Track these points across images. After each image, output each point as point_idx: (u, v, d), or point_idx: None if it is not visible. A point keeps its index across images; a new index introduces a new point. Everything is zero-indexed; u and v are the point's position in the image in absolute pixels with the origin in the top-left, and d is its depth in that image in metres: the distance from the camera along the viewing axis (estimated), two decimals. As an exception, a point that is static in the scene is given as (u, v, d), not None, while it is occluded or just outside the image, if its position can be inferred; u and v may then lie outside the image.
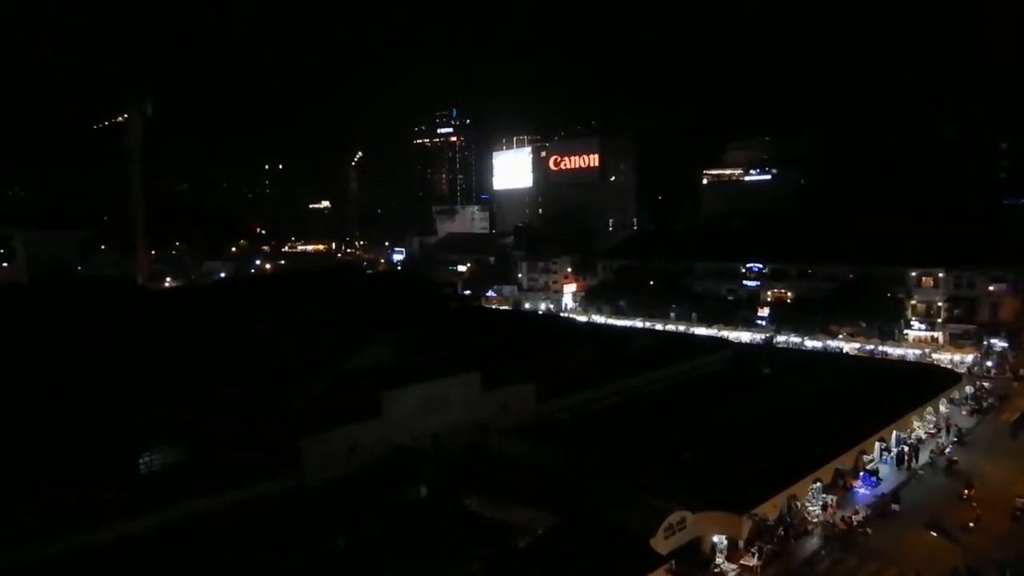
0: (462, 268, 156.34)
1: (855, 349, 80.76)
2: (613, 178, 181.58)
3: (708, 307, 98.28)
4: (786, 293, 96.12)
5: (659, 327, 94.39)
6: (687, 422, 43.49)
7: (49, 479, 30.24)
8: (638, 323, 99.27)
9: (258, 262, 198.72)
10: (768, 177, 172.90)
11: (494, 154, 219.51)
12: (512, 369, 46.28)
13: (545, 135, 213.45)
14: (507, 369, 45.94)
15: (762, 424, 43.54)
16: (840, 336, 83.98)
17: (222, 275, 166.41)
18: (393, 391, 38.58)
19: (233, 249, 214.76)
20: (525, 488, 33.12)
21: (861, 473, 43.84)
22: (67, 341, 49.25)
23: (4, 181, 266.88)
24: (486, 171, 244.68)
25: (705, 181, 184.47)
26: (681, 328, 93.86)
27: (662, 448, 38.87)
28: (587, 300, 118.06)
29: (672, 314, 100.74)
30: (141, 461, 33.41)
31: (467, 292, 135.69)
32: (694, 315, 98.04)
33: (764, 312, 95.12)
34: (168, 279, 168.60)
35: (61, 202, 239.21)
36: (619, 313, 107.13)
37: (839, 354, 78.64)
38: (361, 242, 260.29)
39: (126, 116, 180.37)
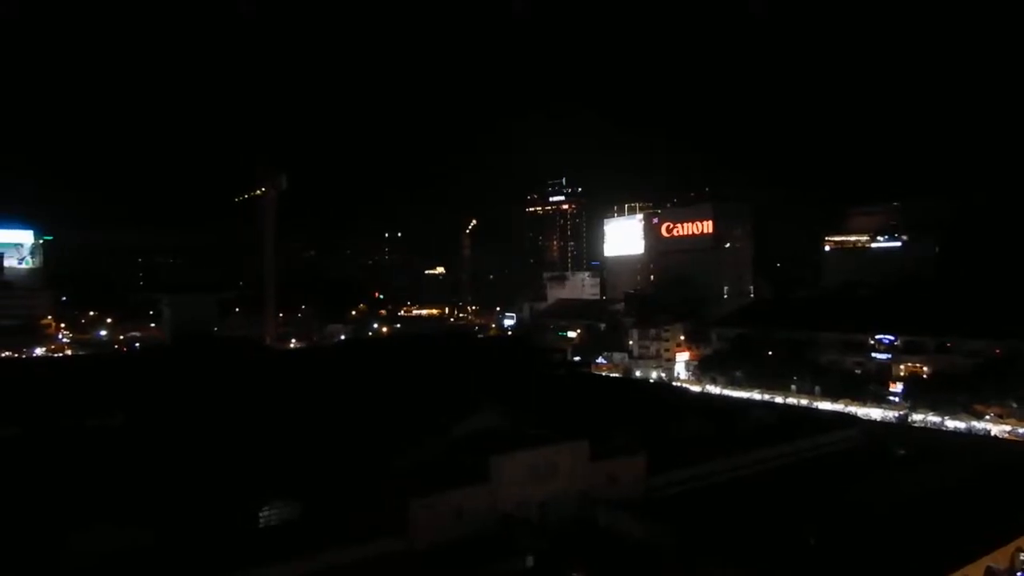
0: (572, 334, 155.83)
1: (1005, 432, 73.23)
2: (728, 245, 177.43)
3: (832, 380, 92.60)
4: (922, 368, 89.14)
5: (778, 400, 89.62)
6: (810, 504, 40.47)
7: (185, 522, 31.92)
8: (755, 395, 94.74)
9: (376, 325, 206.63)
10: (898, 244, 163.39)
11: (605, 221, 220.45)
12: (621, 439, 45.05)
13: (657, 202, 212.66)
14: (616, 439, 44.76)
15: (897, 512, 39.82)
16: (987, 417, 76.54)
17: (342, 337, 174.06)
18: (501, 457, 38.37)
19: (353, 313, 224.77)
20: (633, 567, 31.69)
21: (1018, 573, 38.99)
22: (203, 395, 52.66)
23: (156, 250, 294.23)
24: (597, 238, 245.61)
25: (827, 248, 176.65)
26: (802, 402, 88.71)
27: (782, 531, 36.25)
28: (701, 369, 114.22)
29: (792, 386, 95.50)
30: (261, 515, 34.70)
31: (577, 358, 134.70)
32: (817, 388, 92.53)
33: (897, 388, 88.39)
34: (293, 340, 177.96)
35: (202, 268, 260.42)
36: (734, 384, 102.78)
37: (987, 437, 71.53)
38: (473, 307, 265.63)
39: (262, 190, 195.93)
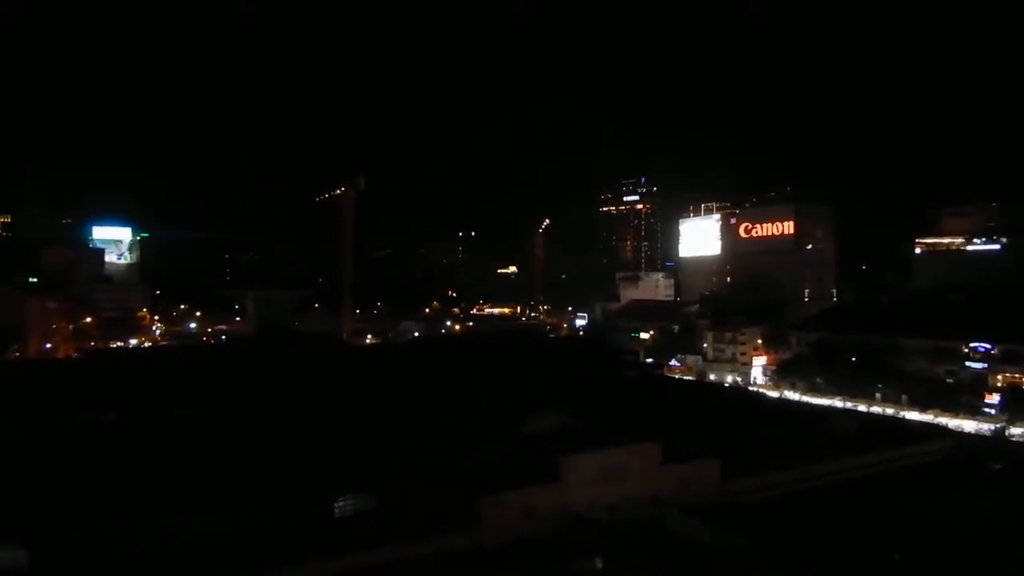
0: (645, 335, 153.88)
1: (1114, 449, 68.11)
2: (809, 246, 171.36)
3: (921, 389, 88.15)
4: (1022, 378, 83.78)
5: (861, 408, 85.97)
6: (893, 518, 38.66)
7: (264, 510, 33.25)
8: (836, 402, 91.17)
9: (448, 323, 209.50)
10: (997, 247, 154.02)
11: (681, 221, 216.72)
12: (695, 443, 44.20)
13: (734, 202, 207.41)
14: (689, 442, 43.96)
15: (987, 531, 37.58)
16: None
17: (415, 334, 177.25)
18: (571, 457, 38.29)
19: (427, 311, 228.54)
20: (704, 573, 31.05)
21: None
22: (283, 388, 54.68)
23: (241, 248, 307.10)
24: (672, 238, 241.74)
25: (918, 250, 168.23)
26: (887, 411, 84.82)
27: (862, 545, 34.78)
28: (779, 374, 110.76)
29: (877, 395, 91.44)
30: (336, 506, 35.75)
31: (649, 360, 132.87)
32: (904, 397, 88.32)
33: (993, 399, 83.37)
34: (368, 336, 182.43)
35: (284, 266, 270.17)
36: (815, 390, 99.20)
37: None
38: (545, 306, 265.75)
39: (342, 190, 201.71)
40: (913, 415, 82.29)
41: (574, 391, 53.28)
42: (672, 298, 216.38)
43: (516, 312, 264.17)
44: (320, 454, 41.41)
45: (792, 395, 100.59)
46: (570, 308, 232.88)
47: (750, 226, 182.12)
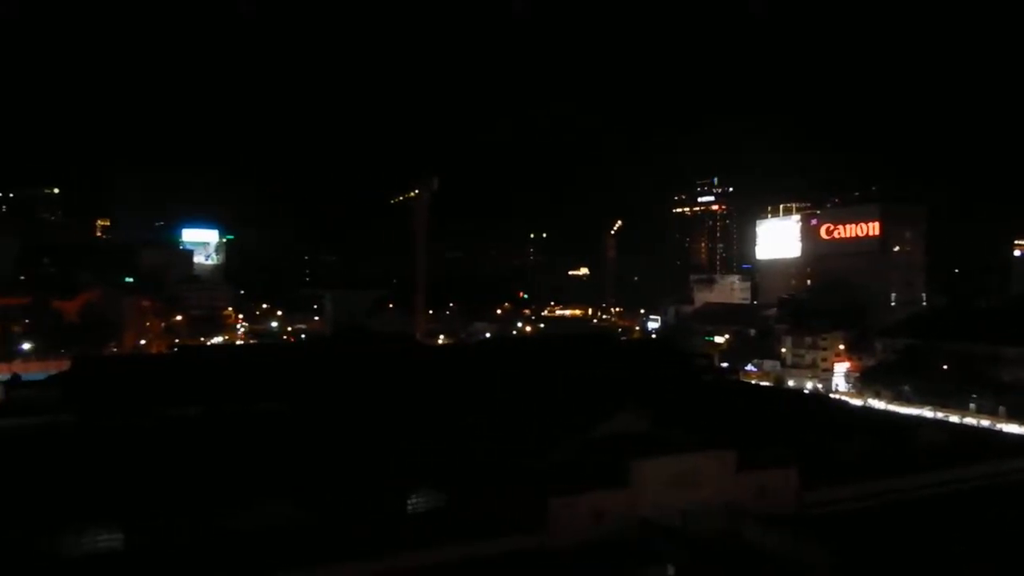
0: (719, 339, 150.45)
1: None
2: (896, 248, 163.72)
3: (1020, 401, 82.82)
4: None
5: (953, 419, 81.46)
6: (986, 537, 36.44)
7: (338, 503, 34.18)
8: (926, 412, 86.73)
9: (519, 324, 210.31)
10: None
11: (758, 222, 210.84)
12: (772, 450, 42.84)
13: (814, 202, 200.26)
14: (767, 450, 42.63)
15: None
16: None
17: (487, 335, 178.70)
18: (642, 461, 37.77)
19: (498, 312, 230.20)
20: (783, 585, 30.04)
21: None
22: (358, 385, 56.05)
23: (318, 249, 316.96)
24: (748, 240, 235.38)
25: (1017, 252, 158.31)
26: (983, 423, 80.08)
27: (951, 565, 32.91)
28: (863, 382, 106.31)
29: (971, 405, 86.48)
30: (409, 502, 36.36)
31: (724, 365, 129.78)
32: (1002, 409, 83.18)
33: (1102, 412, 77.63)
34: (441, 336, 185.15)
35: (360, 266, 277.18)
36: (902, 399, 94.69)
37: None
38: (617, 308, 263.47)
39: (416, 192, 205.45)
40: (1012, 428, 77.41)
41: (646, 394, 52.50)
42: (748, 301, 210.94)
43: (587, 314, 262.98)
44: (394, 451, 42.23)
45: (877, 404, 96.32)
46: (642, 310, 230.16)
47: (832, 227, 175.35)
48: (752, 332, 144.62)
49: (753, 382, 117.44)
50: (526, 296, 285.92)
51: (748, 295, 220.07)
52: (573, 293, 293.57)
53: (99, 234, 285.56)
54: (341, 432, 45.81)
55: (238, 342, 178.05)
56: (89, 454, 40.26)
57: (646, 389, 57.39)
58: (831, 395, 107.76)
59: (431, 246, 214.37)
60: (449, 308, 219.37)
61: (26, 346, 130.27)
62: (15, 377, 69.49)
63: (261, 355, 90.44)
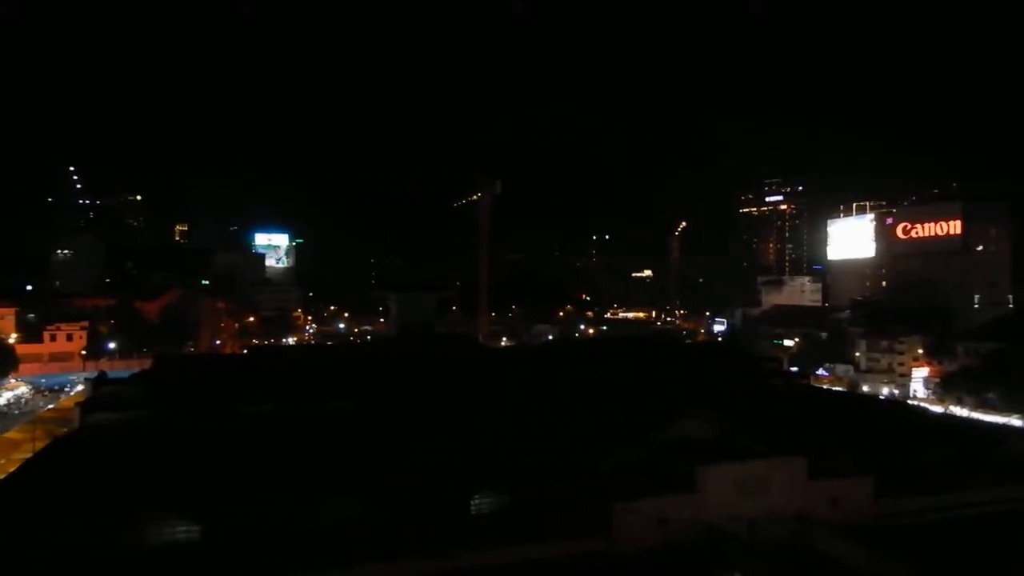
0: (789, 342, 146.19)
1: None
2: (980, 247, 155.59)
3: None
4: None
5: (1044, 428, 76.92)
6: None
7: (402, 501, 34.72)
8: (1013, 420, 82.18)
9: (582, 327, 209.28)
10: None
11: (829, 222, 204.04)
12: (845, 458, 41.35)
13: (890, 200, 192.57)
14: (839, 458, 41.18)
15: None
16: None
17: (550, 337, 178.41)
18: (708, 467, 37.05)
19: (560, 314, 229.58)
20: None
21: None
22: (423, 386, 56.82)
23: (384, 252, 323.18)
24: (819, 240, 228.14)
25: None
26: (1077, 433, 75.09)
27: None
28: (943, 388, 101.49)
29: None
30: (472, 503, 36.62)
31: (794, 369, 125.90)
32: (1097, 418, 78.14)
33: None
34: (504, 338, 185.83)
35: (424, 269, 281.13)
36: (986, 406, 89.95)
37: None
38: (681, 311, 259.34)
39: (479, 195, 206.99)
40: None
41: (713, 399, 51.47)
42: (819, 303, 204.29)
43: (651, 316, 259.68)
44: (458, 450, 42.60)
45: (959, 411, 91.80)
46: (707, 313, 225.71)
47: (909, 226, 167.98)
48: (823, 335, 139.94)
49: (825, 387, 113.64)
50: (588, 298, 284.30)
51: (819, 297, 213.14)
52: (636, 295, 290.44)
53: (178, 238, 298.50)
54: (406, 431, 46.50)
55: (307, 343, 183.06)
56: (168, 449, 42.06)
57: (712, 393, 56.27)
58: (909, 401, 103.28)
59: (494, 248, 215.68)
60: (511, 310, 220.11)
61: (112, 345, 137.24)
62: (102, 375, 73.19)
63: (329, 355, 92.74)
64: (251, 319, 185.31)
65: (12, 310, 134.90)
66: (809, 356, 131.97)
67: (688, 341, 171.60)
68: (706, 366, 77.15)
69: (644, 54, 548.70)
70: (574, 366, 71.20)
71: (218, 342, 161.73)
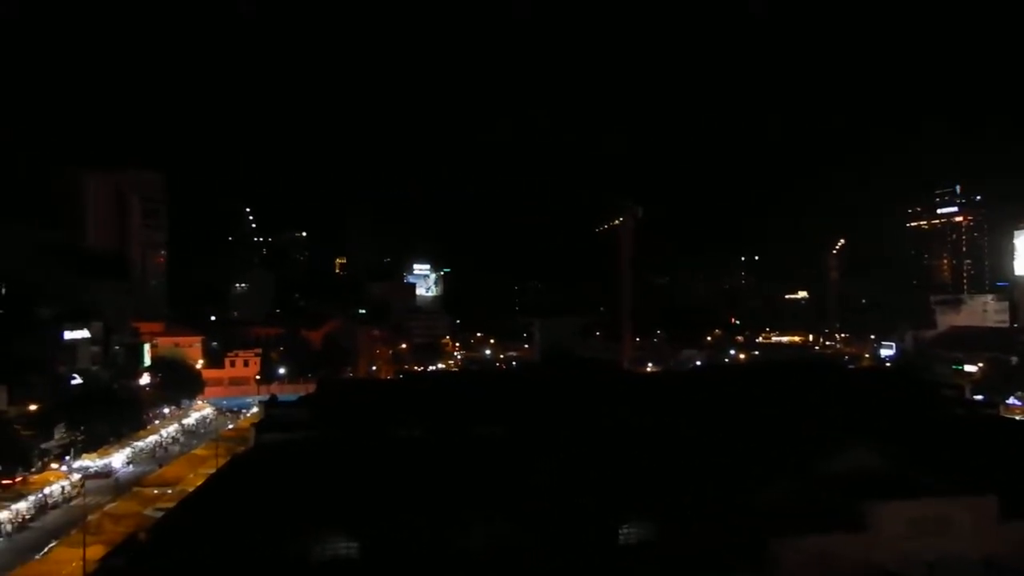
0: (971, 368, 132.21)
1: None
2: None
3: None
4: None
5: None
6: None
7: (552, 528, 34.67)
8: None
9: (732, 352, 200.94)
10: None
11: (1016, 234, 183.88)
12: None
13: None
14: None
15: None
16: None
17: (697, 363, 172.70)
18: (880, 503, 34.07)
19: (708, 338, 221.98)
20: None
21: None
22: (568, 412, 56.76)
23: (527, 277, 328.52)
24: (1003, 254, 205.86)
25: None
26: None
27: None
28: None
29: None
30: (621, 532, 35.88)
31: (978, 397, 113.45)
32: None
33: None
34: (649, 364, 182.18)
35: (566, 294, 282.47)
36: None
37: None
38: (842, 334, 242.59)
39: (620, 220, 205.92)
40: None
41: (883, 428, 47.34)
42: (1007, 324, 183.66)
43: (808, 340, 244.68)
44: (605, 478, 41.98)
45: None
46: (872, 336, 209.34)
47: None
48: (1014, 360, 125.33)
49: (1018, 418, 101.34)
50: (737, 322, 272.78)
51: (1005, 317, 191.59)
52: (790, 318, 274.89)
53: (337, 271, 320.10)
54: (553, 457, 46.49)
55: (455, 368, 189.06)
56: (330, 467, 44.70)
57: (882, 422, 51.81)
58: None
59: (637, 273, 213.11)
60: (656, 335, 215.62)
61: (281, 370, 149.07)
62: (273, 398, 79.62)
63: (477, 381, 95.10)
64: (403, 346, 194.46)
65: (199, 338, 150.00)
66: (996, 383, 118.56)
67: (851, 366, 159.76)
68: (875, 393, 71.32)
69: (791, 57, 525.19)
70: (726, 392, 68.33)
71: (374, 367, 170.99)
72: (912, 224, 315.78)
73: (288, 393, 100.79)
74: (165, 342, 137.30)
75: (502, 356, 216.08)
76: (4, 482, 62.12)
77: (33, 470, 69.29)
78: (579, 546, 33.44)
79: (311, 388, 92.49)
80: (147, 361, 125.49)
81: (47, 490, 64.59)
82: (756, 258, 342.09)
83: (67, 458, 77.73)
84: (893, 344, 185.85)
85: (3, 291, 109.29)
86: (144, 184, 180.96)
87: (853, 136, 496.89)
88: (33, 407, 78.69)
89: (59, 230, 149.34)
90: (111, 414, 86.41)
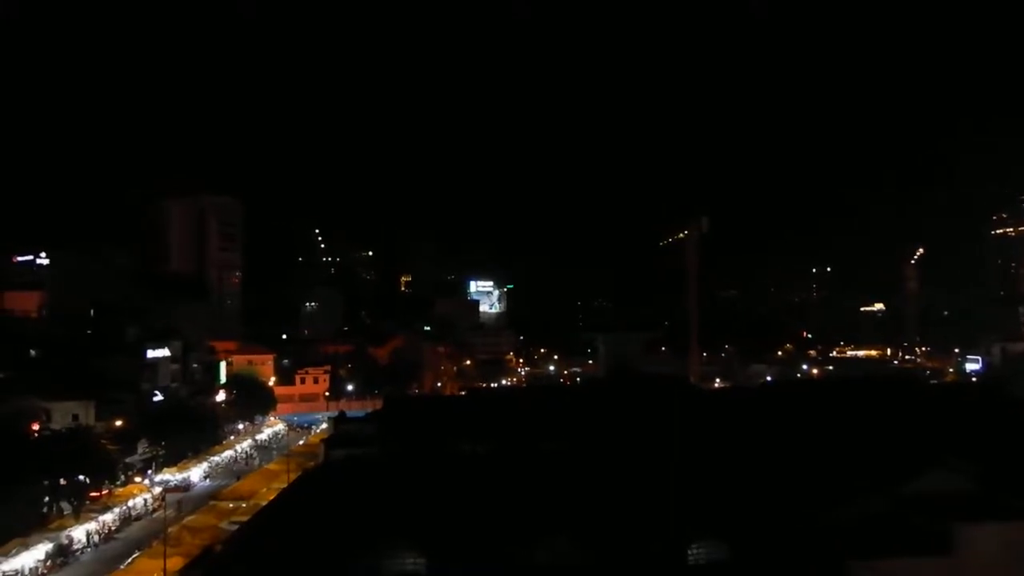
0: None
1: None
2: None
3: None
4: None
5: None
6: None
7: (616, 546, 34.05)
8: None
9: (805, 367, 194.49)
10: None
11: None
12: None
13: None
14: None
15: None
16: None
17: (768, 378, 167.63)
18: (969, 526, 32.15)
19: (779, 353, 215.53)
20: None
21: None
22: (635, 428, 55.86)
23: (593, 294, 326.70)
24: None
25: None
26: None
27: None
28: None
29: None
30: (690, 552, 34.94)
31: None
32: None
33: None
34: (717, 379, 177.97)
35: (631, 309, 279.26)
36: None
37: None
38: (922, 348, 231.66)
39: (686, 233, 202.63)
40: None
41: (970, 447, 44.76)
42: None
43: (886, 355, 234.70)
44: (675, 495, 41.01)
45: None
46: (956, 350, 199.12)
47: None
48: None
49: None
50: (810, 336, 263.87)
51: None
52: (866, 331, 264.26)
53: (403, 288, 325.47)
54: (620, 473, 45.78)
55: (520, 384, 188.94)
56: (398, 482, 45.14)
57: (969, 441, 49.01)
58: None
59: (704, 286, 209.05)
60: (725, 350, 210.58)
61: (350, 387, 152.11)
62: (342, 414, 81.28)
63: (542, 396, 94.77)
64: (468, 362, 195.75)
65: (271, 356, 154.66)
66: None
67: (935, 382, 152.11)
68: (960, 410, 67.70)
69: (865, 61, 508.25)
70: (800, 408, 66.03)
71: (439, 384, 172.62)
72: (997, 231, 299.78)
73: (356, 409, 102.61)
74: (239, 360, 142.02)
75: (566, 372, 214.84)
76: (92, 495, 65.04)
77: (118, 483, 72.43)
78: (646, 565, 32.70)
79: (378, 404, 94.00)
80: (223, 378, 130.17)
81: (131, 503, 67.63)
82: (828, 269, 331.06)
83: (149, 472, 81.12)
84: (979, 358, 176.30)
85: (93, 313, 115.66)
86: (221, 209, 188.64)
87: (931, 138, 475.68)
88: (119, 423, 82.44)
89: (144, 255, 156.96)
90: (190, 430, 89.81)
